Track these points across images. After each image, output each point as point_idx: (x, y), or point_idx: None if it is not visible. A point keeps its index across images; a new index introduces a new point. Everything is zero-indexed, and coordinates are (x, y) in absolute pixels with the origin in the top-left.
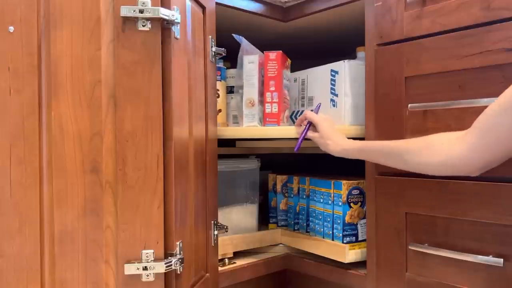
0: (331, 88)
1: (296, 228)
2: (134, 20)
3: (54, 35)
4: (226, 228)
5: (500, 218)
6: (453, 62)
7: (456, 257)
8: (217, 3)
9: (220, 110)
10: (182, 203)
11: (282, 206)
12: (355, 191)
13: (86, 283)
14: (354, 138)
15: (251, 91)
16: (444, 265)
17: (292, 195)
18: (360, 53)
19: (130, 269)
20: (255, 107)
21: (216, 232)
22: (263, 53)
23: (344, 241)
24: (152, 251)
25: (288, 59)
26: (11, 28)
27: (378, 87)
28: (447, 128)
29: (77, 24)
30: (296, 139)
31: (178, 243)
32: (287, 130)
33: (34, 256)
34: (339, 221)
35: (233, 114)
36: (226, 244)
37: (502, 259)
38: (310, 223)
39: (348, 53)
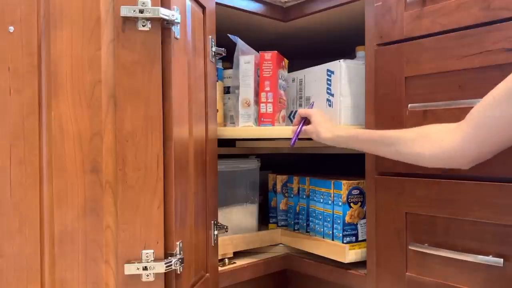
0: (327, 88)
1: (296, 228)
2: (134, 20)
3: (54, 35)
4: (226, 228)
5: (500, 218)
6: (453, 62)
7: (456, 257)
8: (217, 3)
9: (217, 111)
10: (182, 203)
11: (282, 206)
12: (355, 191)
13: (86, 283)
14: None
15: (247, 91)
16: (444, 265)
17: (292, 195)
18: (360, 53)
19: (130, 269)
20: (251, 107)
21: (216, 232)
22: (259, 53)
23: (344, 241)
24: (152, 251)
25: (285, 60)
26: (11, 28)
27: (378, 87)
28: None
29: (77, 24)
30: (300, 139)
31: (178, 243)
32: (286, 130)
33: (34, 256)
34: (339, 221)
35: (230, 114)
36: (226, 244)
37: (502, 259)
38: (310, 223)
39: (348, 53)
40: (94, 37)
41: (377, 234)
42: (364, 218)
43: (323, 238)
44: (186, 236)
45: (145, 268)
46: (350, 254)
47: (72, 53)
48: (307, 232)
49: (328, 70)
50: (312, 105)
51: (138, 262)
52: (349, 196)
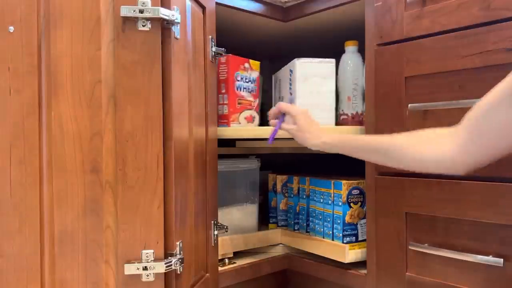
0: (289, 87)
1: (296, 228)
2: (134, 20)
3: (54, 35)
4: (226, 228)
5: (500, 218)
6: (453, 62)
7: (456, 257)
8: (217, 3)
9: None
10: (182, 203)
11: (282, 206)
12: (355, 191)
13: (86, 283)
14: None
15: None
16: (444, 265)
17: (292, 195)
18: (349, 48)
19: (130, 269)
20: None
21: (216, 232)
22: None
23: (344, 241)
24: (152, 251)
25: (252, 61)
26: (11, 28)
27: (378, 87)
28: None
29: (77, 24)
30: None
31: (178, 243)
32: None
33: (34, 256)
34: (339, 221)
35: None
36: (226, 244)
37: (502, 259)
38: (310, 223)
39: None
40: (94, 37)
41: (377, 234)
42: (364, 218)
43: (323, 238)
44: (186, 236)
45: (145, 268)
46: (350, 254)
47: (72, 53)
48: (307, 232)
49: (290, 70)
50: (292, 99)
51: (138, 262)
52: (349, 196)
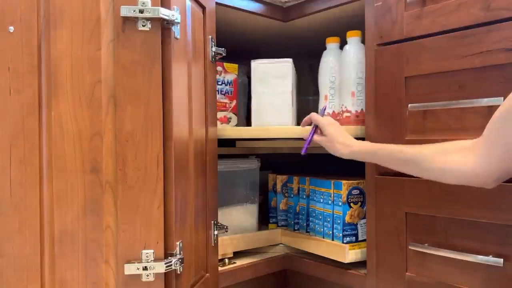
0: (249, 89)
1: (296, 228)
2: (134, 20)
3: (54, 35)
4: (226, 228)
5: (500, 218)
6: (453, 62)
7: (456, 257)
8: (217, 3)
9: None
10: (182, 203)
11: (282, 206)
12: (355, 191)
13: (86, 283)
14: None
15: None
16: (444, 265)
17: (292, 195)
18: (330, 45)
19: (130, 269)
20: None
21: (216, 232)
22: None
23: (344, 241)
24: (152, 251)
25: (228, 64)
26: (11, 28)
27: (378, 87)
28: (447, 128)
29: (77, 24)
30: (301, 139)
31: (178, 243)
32: (286, 130)
33: (34, 256)
34: (339, 221)
35: None
36: (226, 244)
37: (502, 259)
38: (310, 223)
39: None
40: (94, 37)
41: (377, 234)
42: (364, 218)
43: (323, 238)
44: (186, 236)
45: (145, 268)
46: (350, 254)
47: (72, 53)
48: (307, 232)
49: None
50: (324, 109)
51: (138, 262)
52: (349, 196)
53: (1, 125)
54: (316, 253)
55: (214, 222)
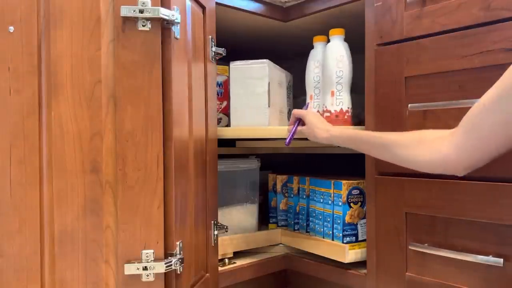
0: (229, 90)
1: (296, 228)
2: (134, 20)
3: (54, 35)
4: (226, 228)
5: (500, 218)
6: (453, 62)
7: (456, 257)
8: (217, 3)
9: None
10: (182, 203)
11: (282, 206)
12: (355, 191)
13: (86, 283)
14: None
15: None
16: (444, 265)
17: (292, 195)
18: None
19: (130, 269)
20: None
21: (216, 232)
22: None
23: (344, 241)
24: (152, 251)
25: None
26: (11, 28)
27: (378, 87)
28: (447, 128)
29: (77, 24)
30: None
31: (178, 243)
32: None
33: (34, 256)
34: (339, 221)
35: None
36: (226, 244)
37: (502, 259)
38: (310, 223)
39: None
40: (94, 37)
41: (377, 234)
42: (364, 218)
43: (323, 238)
44: (186, 236)
45: (145, 268)
46: (350, 254)
47: (72, 53)
48: (307, 232)
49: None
50: (307, 106)
51: (138, 262)
52: (349, 196)
53: (1, 125)
54: (316, 253)
55: (214, 222)
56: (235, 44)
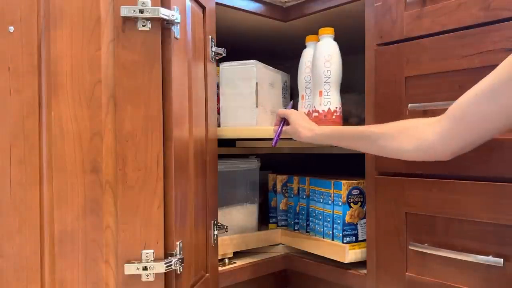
0: (217, 90)
1: (296, 228)
2: (134, 20)
3: (54, 35)
4: (226, 228)
5: (500, 218)
6: (453, 62)
7: (456, 257)
8: (217, 3)
9: None
10: (182, 203)
11: (282, 206)
12: (355, 191)
13: (86, 283)
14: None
15: None
16: (444, 265)
17: (292, 195)
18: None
19: (130, 269)
20: None
21: (216, 232)
22: None
23: (344, 241)
24: (152, 251)
25: None
26: (11, 28)
27: (378, 86)
28: None
29: (77, 24)
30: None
31: (178, 243)
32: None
33: (34, 256)
34: (339, 221)
35: None
36: (226, 244)
37: (502, 259)
38: (310, 223)
39: (348, 53)
40: (94, 37)
41: (377, 234)
42: (364, 218)
43: (323, 238)
44: (186, 236)
45: (145, 268)
46: (350, 254)
47: (72, 53)
48: (307, 232)
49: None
50: (291, 105)
51: (138, 262)
52: (349, 196)
53: (1, 125)
54: (316, 253)
55: (214, 222)
56: (235, 44)
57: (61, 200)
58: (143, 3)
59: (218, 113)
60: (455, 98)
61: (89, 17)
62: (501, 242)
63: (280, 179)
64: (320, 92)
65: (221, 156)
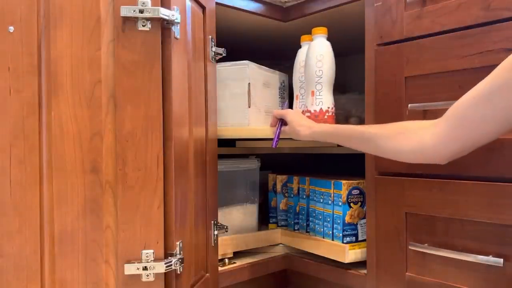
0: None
1: (296, 228)
2: (134, 20)
3: (54, 35)
4: (226, 228)
5: (500, 218)
6: (453, 62)
7: (456, 257)
8: (217, 3)
9: None
10: (182, 203)
11: (282, 206)
12: (355, 191)
13: (86, 283)
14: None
15: None
16: (444, 265)
17: (292, 195)
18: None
19: (130, 269)
20: None
21: (216, 232)
22: None
23: (344, 241)
24: (152, 251)
25: None
26: (11, 28)
27: (378, 86)
28: None
29: (77, 24)
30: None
31: (178, 243)
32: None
33: (34, 256)
34: (339, 221)
35: None
36: (226, 244)
37: (502, 259)
38: (310, 223)
39: (348, 53)
40: (94, 37)
41: (377, 234)
42: (364, 218)
43: (323, 238)
44: (186, 236)
45: (145, 268)
46: (350, 254)
47: (72, 53)
48: (307, 232)
49: None
50: (286, 105)
51: (138, 262)
52: (349, 196)
53: (1, 125)
54: (316, 253)
55: (214, 222)
56: (235, 44)
57: (61, 200)
58: (143, 3)
59: None
60: (455, 98)
61: (89, 17)
62: (501, 242)
63: (280, 179)
64: (312, 92)
65: (221, 156)
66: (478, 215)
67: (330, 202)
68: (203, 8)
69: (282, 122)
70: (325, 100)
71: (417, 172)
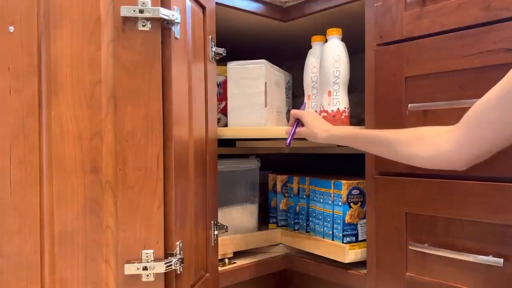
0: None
1: (296, 228)
2: (134, 20)
3: (54, 35)
4: (226, 228)
5: (500, 218)
6: (453, 62)
7: (456, 257)
8: (217, 3)
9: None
10: (182, 203)
11: (282, 206)
12: (355, 191)
13: (86, 283)
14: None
15: None
16: (444, 265)
17: (292, 195)
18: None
19: (130, 269)
20: None
21: (216, 232)
22: None
23: (344, 241)
24: (152, 251)
25: None
26: (11, 28)
27: (378, 87)
28: None
29: (77, 24)
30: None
31: (178, 243)
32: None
33: (34, 256)
34: (339, 221)
35: None
36: (226, 244)
37: (502, 259)
38: (310, 223)
39: (348, 53)
40: (94, 37)
41: (377, 234)
42: (364, 218)
43: (323, 238)
44: (186, 236)
45: (145, 268)
46: (350, 254)
47: (72, 53)
48: (307, 232)
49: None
50: (304, 106)
51: (138, 262)
52: (349, 196)
53: (1, 125)
54: (316, 253)
55: (214, 222)
56: (235, 44)
57: (61, 200)
58: (143, 3)
59: (222, 113)
60: (455, 98)
61: (89, 17)
62: (501, 242)
63: (280, 179)
64: (329, 93)
65: (221, 156)
66: (478, 215)
67: (330, 202)
68: (203, 8)
69: (299, 122)
70: (342, 100)
71: (417, 172)
